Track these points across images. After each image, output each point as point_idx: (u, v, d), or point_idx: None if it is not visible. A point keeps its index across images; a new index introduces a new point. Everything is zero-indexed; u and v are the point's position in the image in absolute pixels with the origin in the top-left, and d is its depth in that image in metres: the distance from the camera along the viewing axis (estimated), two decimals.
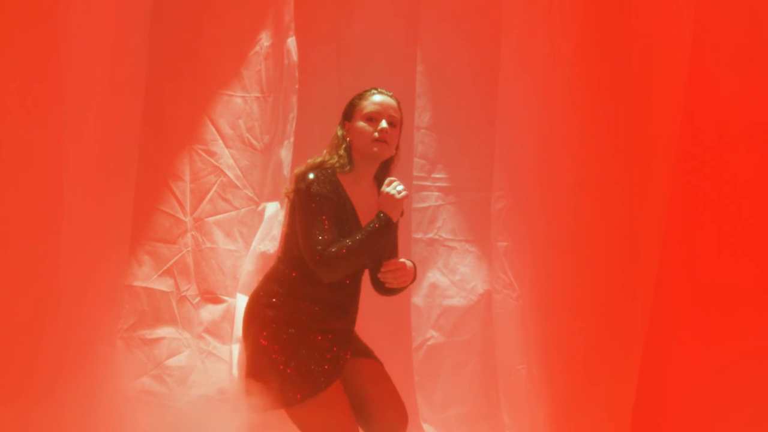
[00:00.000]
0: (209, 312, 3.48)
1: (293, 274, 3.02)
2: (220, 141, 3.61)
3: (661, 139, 3.26)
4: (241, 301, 3.33)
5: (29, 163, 2.92)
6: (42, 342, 2.94)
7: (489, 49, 3.70)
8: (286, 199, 3.12)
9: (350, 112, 3.14)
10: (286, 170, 3.44)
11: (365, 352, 3.13)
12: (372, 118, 3.07)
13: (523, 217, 3.52)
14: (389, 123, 3.07)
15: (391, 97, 3.14)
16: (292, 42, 3.53)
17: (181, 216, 3.58)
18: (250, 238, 3.46)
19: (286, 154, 3.45)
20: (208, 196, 3.58)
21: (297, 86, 3.49)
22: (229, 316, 3.40)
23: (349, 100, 3.16)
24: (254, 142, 3.62)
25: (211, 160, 3.60)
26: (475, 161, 3.76)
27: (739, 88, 3.33)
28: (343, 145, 3.09)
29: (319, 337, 2.98)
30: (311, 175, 2.98)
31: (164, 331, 3.50)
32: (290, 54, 3.51)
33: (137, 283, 3.56)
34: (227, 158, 3.60)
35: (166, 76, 3.65)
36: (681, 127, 3.27)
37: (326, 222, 2.93)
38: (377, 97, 3.11)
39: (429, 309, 3.69)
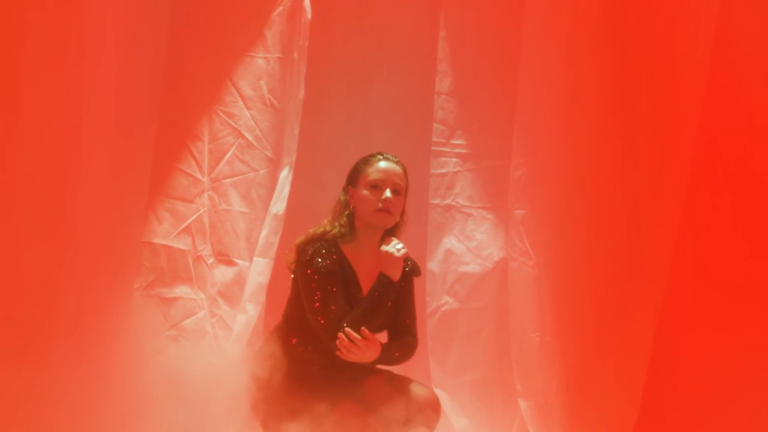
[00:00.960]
0: (222, 274, 3.49)
1: (293, 341, 3.02)
2: (240, 102, 3.60)
3: (683, 112, 3.22)
4: (256, 265, 3.35)
5: (48, 118, 2.93)
6: (58, 295, 2.98)
7: (512, 17, 3.65)
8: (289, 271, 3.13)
9: (354, 178, 3.08)
10: (296, 129, 3.43)
11: (369, 371, 3.11)
12: (376, 186, 3.02)
13: (541, 186, 3.51)
14: (394, 191, 3.02)
15: (396, 163, 3.08)
16: (307, 1, 3.50)
17: (199, 176, 3.59)
18: (269, 201, 3.46)
19: (296, 113, 3.45)
20: (226, 158, 3.57)
21: (307, 44, 3.47)
22: (239, 280, 3.42)
23: (354, 164, 3.12)
24: (275, 103, 3.60)
25: (230, 122, 3.59)
26: (494, 128, 3.73)
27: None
28: (346, 212, 3.05)
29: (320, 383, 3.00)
30: (312, 249, 2.96)
31: (181, 290, 3.52)
32: (305, 13, 3.49)
33: (157, 240, 3.58)
34: (247, 119, 3.59)
35: (188, 35, 3.63)
36: (704, 102, 3.22)
37: (332, 296, 2.90)
38: (382, 164, 3.05)
39: (444, 275, 3.70)
